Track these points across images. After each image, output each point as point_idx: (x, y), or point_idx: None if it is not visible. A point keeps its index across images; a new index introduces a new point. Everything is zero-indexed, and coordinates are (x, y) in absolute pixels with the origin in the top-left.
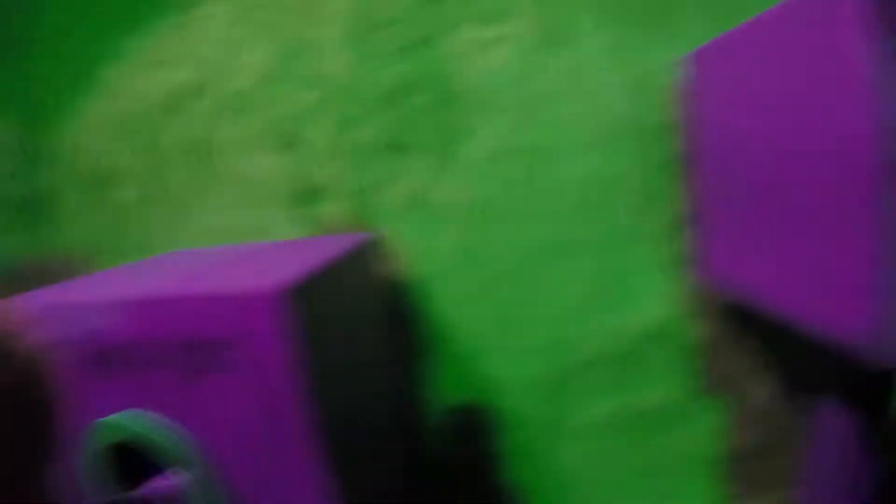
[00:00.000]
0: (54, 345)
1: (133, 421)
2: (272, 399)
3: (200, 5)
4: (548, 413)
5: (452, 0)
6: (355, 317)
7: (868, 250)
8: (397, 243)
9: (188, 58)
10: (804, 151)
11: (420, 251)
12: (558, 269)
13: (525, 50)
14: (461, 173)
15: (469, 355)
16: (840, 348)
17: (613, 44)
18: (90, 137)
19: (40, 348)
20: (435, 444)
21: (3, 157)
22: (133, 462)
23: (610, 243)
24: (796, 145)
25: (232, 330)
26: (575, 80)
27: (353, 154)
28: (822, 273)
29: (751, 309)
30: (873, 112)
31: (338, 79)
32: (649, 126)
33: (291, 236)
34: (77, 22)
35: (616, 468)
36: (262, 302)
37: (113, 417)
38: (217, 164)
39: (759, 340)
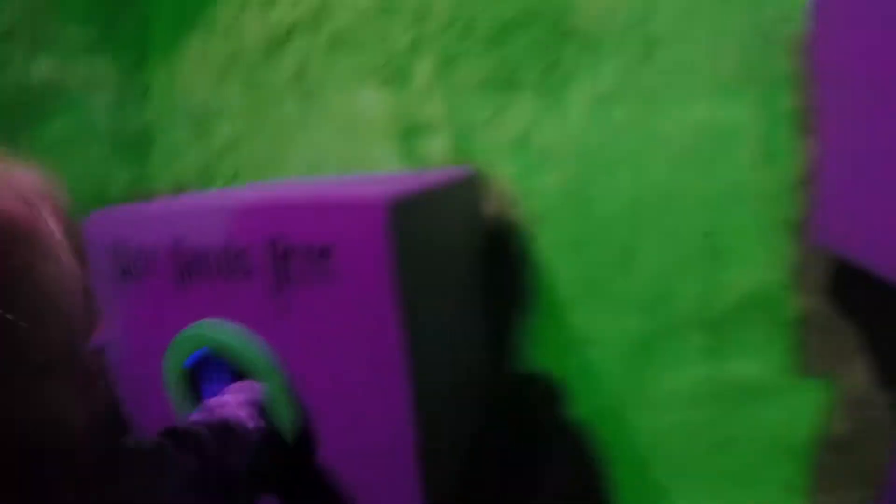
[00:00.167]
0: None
1: (216, 330)
2: (363, 312)
3: None
4: (631, 378)
5: None
6: (453, 248)
7: None
8: (500, 183)
9: None
10: None
11: (522, 192)
12: (663, 222)
13: None
14: (568, 114)
15: (563, 305)
16: None
17: None
18: (198, 74)
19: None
20: (517, 397)
21: (112, 92)
22: (214, 371)
23: (720, 198)
24: None
25: (332, 237)
26: (696, 22)
27: (459, 90)
28: None
29: (864, 276)
30: None
31: (444, 14)
32: (772, 75)
33: (393, 169)
34: None
35: (693, 442)
36: (366, 210)
37: (195, 326)
38: (322, 98)
39: (863, 320)
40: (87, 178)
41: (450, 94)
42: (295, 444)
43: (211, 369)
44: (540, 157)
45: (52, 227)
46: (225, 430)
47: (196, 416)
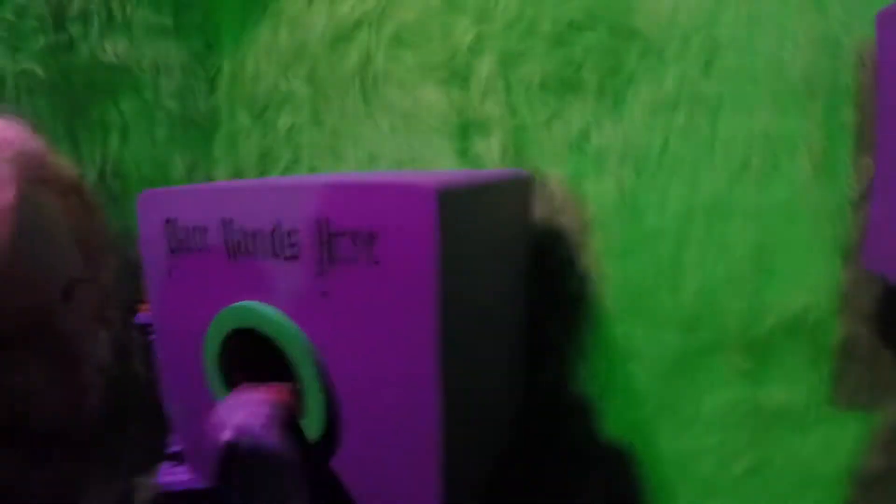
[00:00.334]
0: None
1: (256, 310)
2: (403, 299)
3: None
4: (667, 396)
5: None
6: (500, 247)
7: None
8: (553, 186)
9: None
10: None
11: (574, 197)
12: (713, 235)
13: None
14: (626, 119)
15: (605, 316)
16: None
17: None
18: (264, 64)
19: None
20: (552, 408)
21: (180, 77)
22: (253, 350)
23: (772, 213)
24: None
25: (379, 221)
26: (760, 30)
27: (518, 91)
28: None
29: None
30: None
31: (508, 14)
32: (834, 87)
33: (449, 168)
34: None
35: (724, 466)
36: (415, 195)
37: (238, 305)
38: (383, 94)
39: None
40: (150, 159)
41: (509, 93)
42: (322, 436)
43: (249, 351)
44: (595, 161)
45: (9, 179)
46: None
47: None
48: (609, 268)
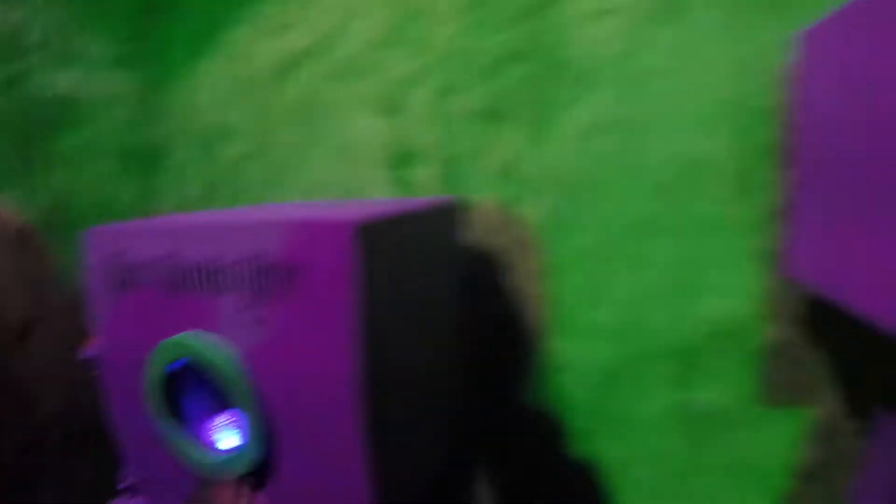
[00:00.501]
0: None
1: (195, 341)
2: (325, 330)
3: None
4: (602, 403)
5: None
6: (428, 274)
7: None
8: (483, 212)
9: (305, 24)
10: None
11: (504, 222)
12: (640, 251)
13: (635, 22)
14: (555, 145)
15: (542, 331)
16: None
17: (724, 21)
18: (207, 96)
19: None
20: (488, 421)
21: (129, 108)
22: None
23: (696, 229)
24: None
25: (302, 255)
26: (680, 57)
27: (451, 121)
28: None
29: (835, 309)
30: None
31: (445, 46)
32: (753, 109)
33: (384, 196)
34: None
35: (663, 471)
36: (333, 230)
37: (178, 337)
38: (322, 125)
39: (833, 351)
40: (95, 191)
41: (442, 123)
42: (258, 462)
43: (190, 382)
44: (523, 187)
45: None
46: None
47: None
48: (542, 286)
